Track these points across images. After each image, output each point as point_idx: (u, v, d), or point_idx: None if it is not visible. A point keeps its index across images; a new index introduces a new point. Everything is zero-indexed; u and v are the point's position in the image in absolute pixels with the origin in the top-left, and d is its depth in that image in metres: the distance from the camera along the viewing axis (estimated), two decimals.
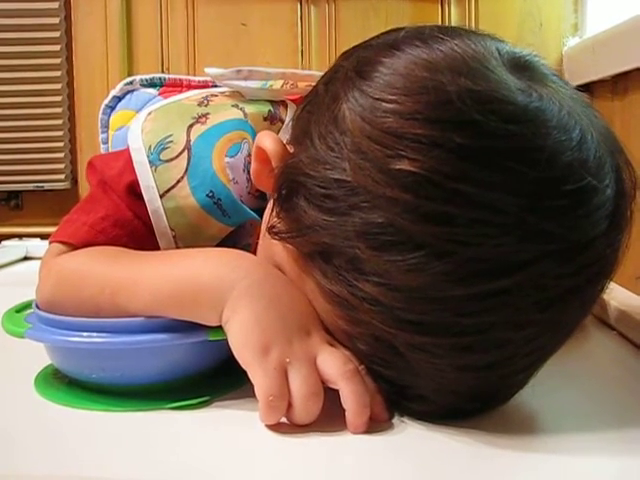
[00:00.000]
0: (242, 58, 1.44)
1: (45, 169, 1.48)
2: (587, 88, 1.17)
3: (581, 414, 0.52)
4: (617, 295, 0.75)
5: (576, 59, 1.37)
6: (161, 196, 0.59)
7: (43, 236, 1.36)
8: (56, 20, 1.45)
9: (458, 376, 0.45)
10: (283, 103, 0.68)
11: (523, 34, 1.43)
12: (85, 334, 0.52)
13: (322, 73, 0.59)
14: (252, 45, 1.46)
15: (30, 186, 1.49)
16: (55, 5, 1.44)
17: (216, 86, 0.77)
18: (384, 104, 0.45)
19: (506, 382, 0.48)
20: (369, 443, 0.46)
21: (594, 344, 0.72)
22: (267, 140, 0.54)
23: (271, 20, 1.46)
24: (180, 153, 0.60)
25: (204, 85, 0.79)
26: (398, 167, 0.42)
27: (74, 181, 1.50)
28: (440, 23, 1.43)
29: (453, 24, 1.43)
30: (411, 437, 0.47)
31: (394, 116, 0.44)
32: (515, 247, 0.42)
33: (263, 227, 0.56)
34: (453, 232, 0.42)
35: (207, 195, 0.58)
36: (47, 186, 1.49)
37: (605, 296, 0.74)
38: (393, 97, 0.44)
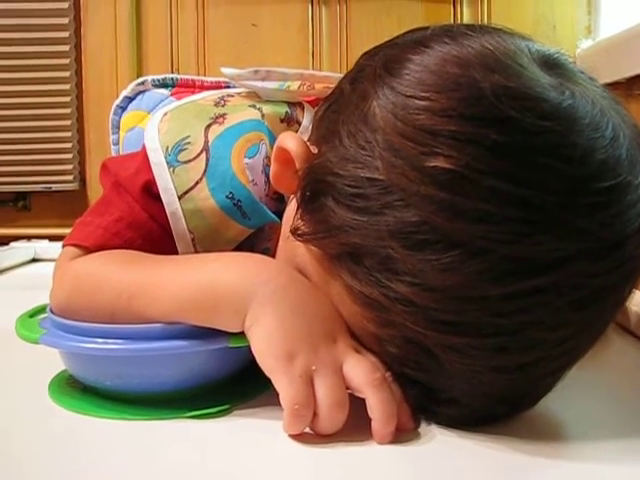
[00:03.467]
0: (252, 59, 1.43)
1: (53, 170, 1.48)
2: None
3: (607, 421, 0.51)
4: (637, 299, 0.74)
5: (589, 61, 1.36)
6: (179, 198, 0.58)
7: (51, 237, 1.35)
8: (65, 20, 1.44)
9: (491, 377, 0.44)
10: (300, 105, 0.67)
11: (536, 36, 1.39)
12: (101, 340, 0.51)
13: (340, 75, 0.59)
14: (262, 46, 1.46)
15: (38, 187, 1.49)
16: (64, 5, 1.44)
17: (229, 87, 0.76)
18: (416, 101, 0.44)
19: (537, 383, 0.47)
20: (396, 453, 0.45)
21: (614, 350, 0.71)
22: (290, 141, 0.53)
23: (282, 21, 1.45)
24: (198, 154, 0.59)
25: (217, 86, 0.78)
26: (433, 164, 0.42)
27: (82, 182, 1.50)
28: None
29: None
30: (439, 446, 0.46)
31: (427, 113, 0.43)
32: (551, 245, 0.41)
33: (284, 229, 0.55)
34: (489, 230, 0.41)
35: (227, 196, 0.57)
36: (55, 187, 1.49)
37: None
38: (425, 94, 0.44)
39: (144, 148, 0.61)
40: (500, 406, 0.47)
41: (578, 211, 0.42)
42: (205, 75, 1.41)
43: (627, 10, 1.37)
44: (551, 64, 0.47)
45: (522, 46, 0.47)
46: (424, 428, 0.48)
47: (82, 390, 0.55)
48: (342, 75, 0.56)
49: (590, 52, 1.39)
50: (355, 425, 0.46)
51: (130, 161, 0.62)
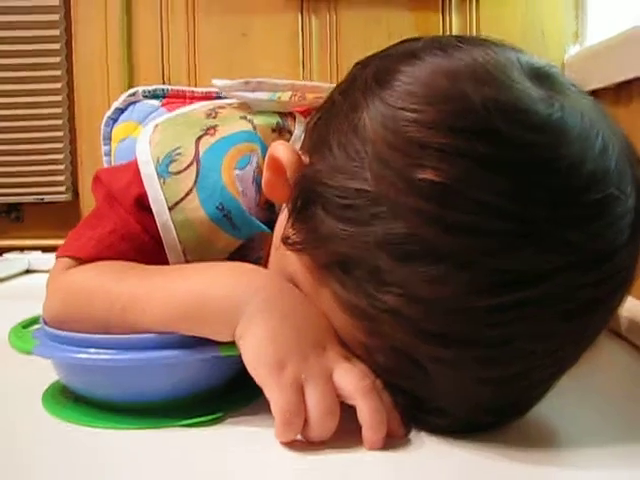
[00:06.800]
0: (243, 68, 1.43)
1: (46, 181, 1.47)
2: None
3: (600, 427, 0.51)
4: (628, 305, 0.74)
5: (578, 67, 1.36)
6: (170, 209, 0.58)
7: (45, 248, 1.35)
8: (56, 32, 1.44)
9: (479, 388, 0.45)
10: (291, 115, 0.67)
11: (525, 42, 1.42)
12: (93, 350, 0.51)
13: (330, 85, 0.59)
14: (253, 55, 1.46)
15: (30, 198, 1.48)
16: (55, 17, 1.44)
17: (219, 97, 0.76)
18: (406, 113, 0.44)
19: (526, 394, 0.48)
20: (386, 459, 0.45)
21: (605, 355, 0.71)
22: (282, 150, 0.54)
23: (272, 30, 1.45)
24: (189, 165, 0.59)
25: (207, 96, 0.78)
26: (421, 176, 0.42)
27: (75, 193, 1.49)
28: (441, 32, 1.43)
29: (455, 33, 1.43)
30: (429, 453, 0.46)
31: (416, 125, 0.43)
32: (539, 257, 0.42)
33: (275, 239, 0.55)
34: (476, 242, 0.41)
35: (217, 208, 0.58)
36: (48, 198, 1.48)
37: None
38: (415, 106, 0.44)
39: (136, 160, 0.61)
40: (488, 415, 0.47)
41: (567, 223, 0.42)
42: (196, 85, 1.42)
43: (615, 16, 1.38)
44: (541, 76, 0.47)
45: (513, 58, 0.47)
46: (414, 435, 0.48)
47: (75, 400, 0.56)
48: (333, 85, 0.57)
49: (578, 58, 1.40)
50: (346, 432, 0.46)
51: (123, 172, 0.63)
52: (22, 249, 1.40)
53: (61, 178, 1.48)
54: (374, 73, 0.49)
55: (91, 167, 1.44)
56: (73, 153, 1.49)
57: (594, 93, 1.19)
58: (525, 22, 1.46)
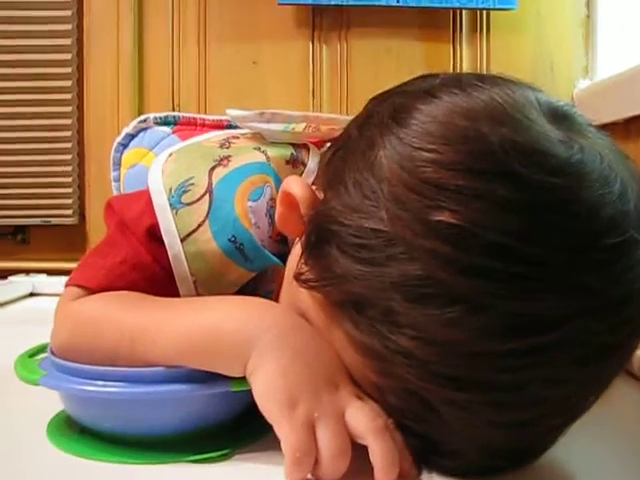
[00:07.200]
0: (253, 96, 1.44)
1: (53, 204, 1.47)
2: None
3: (612, 469, 0.51)
4: None
5: (587, 101, 1.37)
6: (182, 240, 0.58)
7: (50, 272, 1.35)
8: (68, 56, 1.45)
9: (491, 432, 0.44)
10: (305, 146, 0.67)
11: (534, 76, 1.44)
12: (101, 383, 0.51)
13: (344, 117, 0.58)
14: (263, 83, 1.46)
15: (37, 221, 1.48)
16: (67, 42, 1.45)
17: (230, 125, 0.76)
18: (423, 153, 0.44)
19: (540, 438, 0.47)
20: None
21: (619, 395, 0.70)
22: (295, 185, 0.53)
23: (283, 58, 1.46)
24: (202, 196, 0.59)
25: (218, 124, 0.78)
26: (438, 218, 0.41)
27: (82, 217, 1.49)
28: (452, 64, 1.44)
29: (465, 65, 1.44)
30: None
31: (434, 166, 0.43)
32: (555, 302, 0.41)
33: (288, 273, 0.54)
34: (493, 286, 0.40)
35: (229, 240, 0.57)
36: (54, 221, 1.48)
37: None
38: (432, 146, 0.43)
39: (149, 189, 0.61)
40: (501, 459, 0.46)
41: (584, 268, 0.41)
42: (205, 111, 1.43)
43: (625, 51, 1.39)
44: (560, 117, 0.46)
45: (531, 98, 0.46)
46: (426, 476, 0.47)
47: (81, 432, 0.55)
48: (347, 117, 0.56)
49: (588, 92, 1.40)
50: (357, 472, 0.45)
51: (135, 201, 0.62)
52: (27, 271, 1.40)
53: (68, 201, 1.48)
54: (391, 110, 0.48)
55: (99, 191, 1.45)
56: (81, 176, 1.50)
57: (603, 128, 1.19)
58: (535, 55, 1.47)
